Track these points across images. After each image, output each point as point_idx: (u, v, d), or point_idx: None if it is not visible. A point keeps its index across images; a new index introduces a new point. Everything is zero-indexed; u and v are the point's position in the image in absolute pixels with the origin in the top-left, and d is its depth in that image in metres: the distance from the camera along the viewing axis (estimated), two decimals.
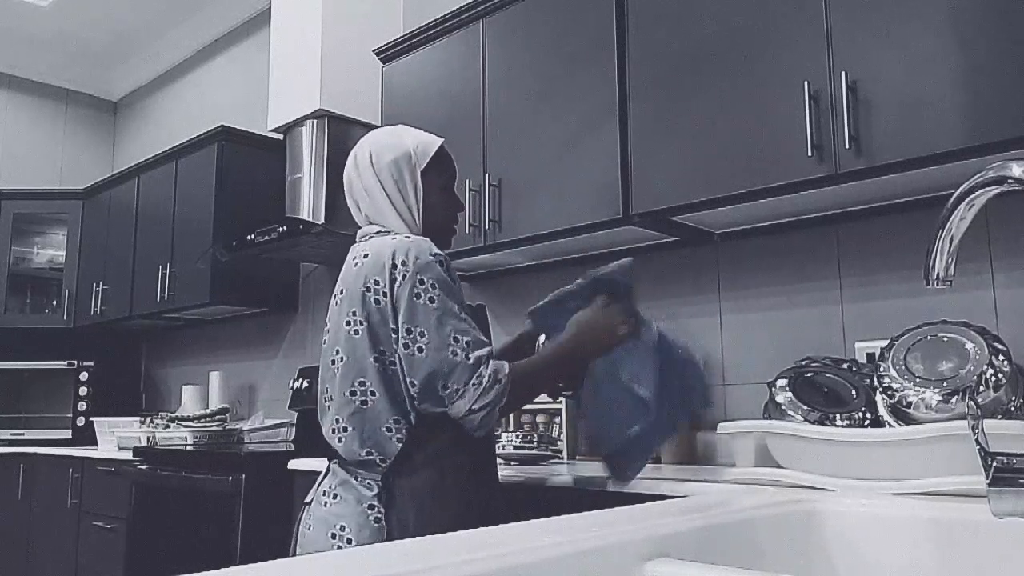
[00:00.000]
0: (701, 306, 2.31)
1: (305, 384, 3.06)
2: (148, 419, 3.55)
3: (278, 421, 3.49)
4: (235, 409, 3.86)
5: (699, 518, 0.91)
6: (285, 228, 3.03)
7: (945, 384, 1.40)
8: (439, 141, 1.58)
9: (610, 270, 1.56)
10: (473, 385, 1.34)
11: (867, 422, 1.49)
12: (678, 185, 1.98)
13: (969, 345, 1.44)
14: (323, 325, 1.53)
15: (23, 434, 4.18)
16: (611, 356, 1.53)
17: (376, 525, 1.37)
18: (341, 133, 3.17)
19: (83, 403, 4.22)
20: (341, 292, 1.47)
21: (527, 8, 2.39)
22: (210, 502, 2.67)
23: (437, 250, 1.43)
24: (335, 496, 1.41)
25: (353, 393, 1.40)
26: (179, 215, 3.82)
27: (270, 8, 3.56)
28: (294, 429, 3.24)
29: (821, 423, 1.48)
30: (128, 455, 3.21)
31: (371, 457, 1.39)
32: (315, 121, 3.18)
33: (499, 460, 1.79)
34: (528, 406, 2.51)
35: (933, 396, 1.40)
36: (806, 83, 1.75)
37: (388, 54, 2.83)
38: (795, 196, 1.86)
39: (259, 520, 2.56)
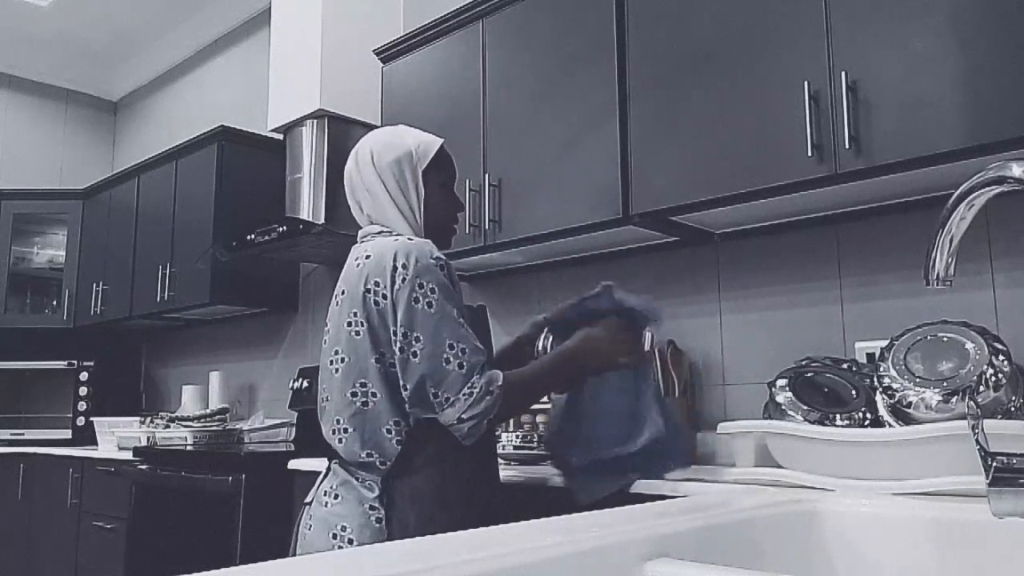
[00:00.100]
0: (701, 306, 2.31)
1: (305, 384, 3.06)
2: (148, 419, 3.55)
3: (278, 421, 3.49)
4: (235, 409, 3.86)
5: (699, 518, 0.91)
6: (285, 228, 3.03)
7: (945, 384, 1.40)
8: (440, 141, 1.58)
9: (638, 301, 1.58)
10: (464, 395, 1.34)
11: (867, 422, 1.49)
12: (678, 185, 1.98)
13: (969, 345, 1.44)
14: (323, 325, 1.53)
15: (23, 434, 4.18)
16: (608, 378, 1.54)
17: (377, 526, 1.37)
18: (341, 133, 3.17)
19: (83, 403, 4.22)
20: (342, 292, 1.47)
21: (527, 8, 2.39)
22: (210, 502, 2.67)
23: (439, 253, 1.43)
24: (336, 496, 1.41)
25: (354, 394, 1.40)
26: (179, 215, 3.82)
27: (270, 8, 3.56)
28: (294, 429, 3.24)
29: (821, 423, 1.48)
30: (128, 455, 3.21)
31: (372, 459, 1.39)
32: (315, 121, 3.18)
33: (500, 460, 1.79)
34: None
35: (933, 396, 1.40)
36: (806, 83, 1.75)
37: (388, 54, 2.83)
38: (795, 196, 1.86)
39: (259, 520, 2.55)
